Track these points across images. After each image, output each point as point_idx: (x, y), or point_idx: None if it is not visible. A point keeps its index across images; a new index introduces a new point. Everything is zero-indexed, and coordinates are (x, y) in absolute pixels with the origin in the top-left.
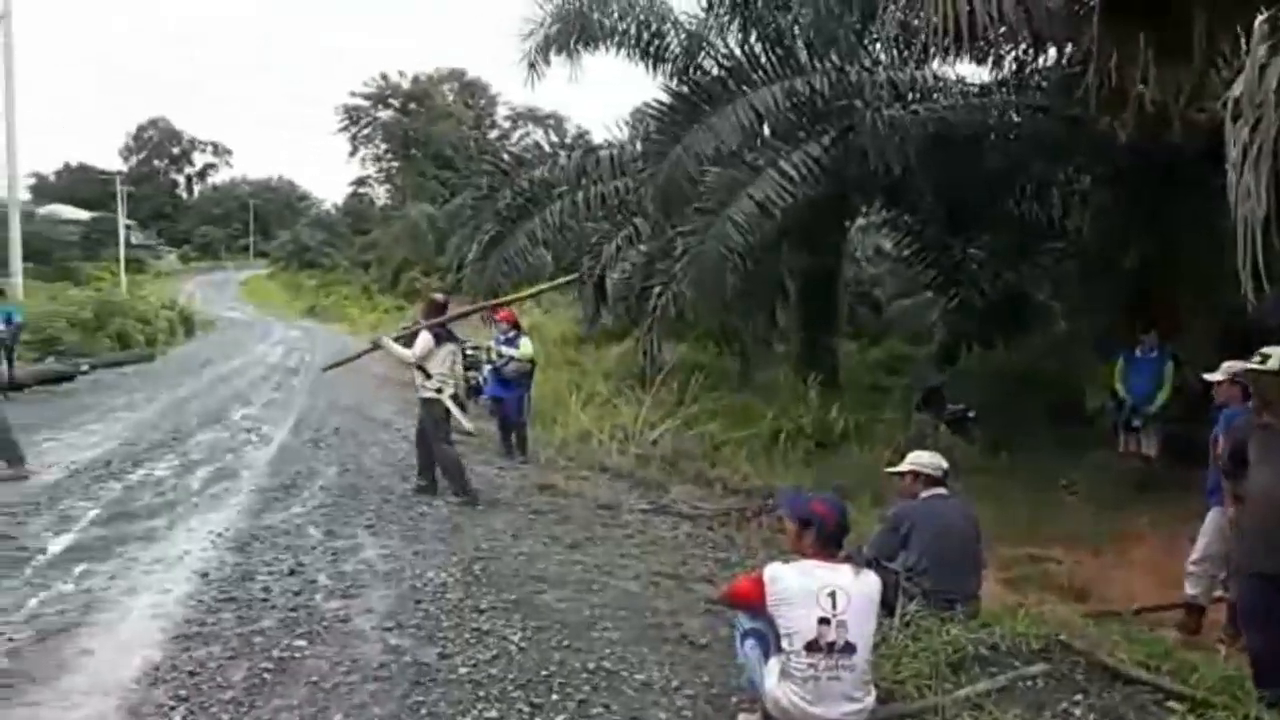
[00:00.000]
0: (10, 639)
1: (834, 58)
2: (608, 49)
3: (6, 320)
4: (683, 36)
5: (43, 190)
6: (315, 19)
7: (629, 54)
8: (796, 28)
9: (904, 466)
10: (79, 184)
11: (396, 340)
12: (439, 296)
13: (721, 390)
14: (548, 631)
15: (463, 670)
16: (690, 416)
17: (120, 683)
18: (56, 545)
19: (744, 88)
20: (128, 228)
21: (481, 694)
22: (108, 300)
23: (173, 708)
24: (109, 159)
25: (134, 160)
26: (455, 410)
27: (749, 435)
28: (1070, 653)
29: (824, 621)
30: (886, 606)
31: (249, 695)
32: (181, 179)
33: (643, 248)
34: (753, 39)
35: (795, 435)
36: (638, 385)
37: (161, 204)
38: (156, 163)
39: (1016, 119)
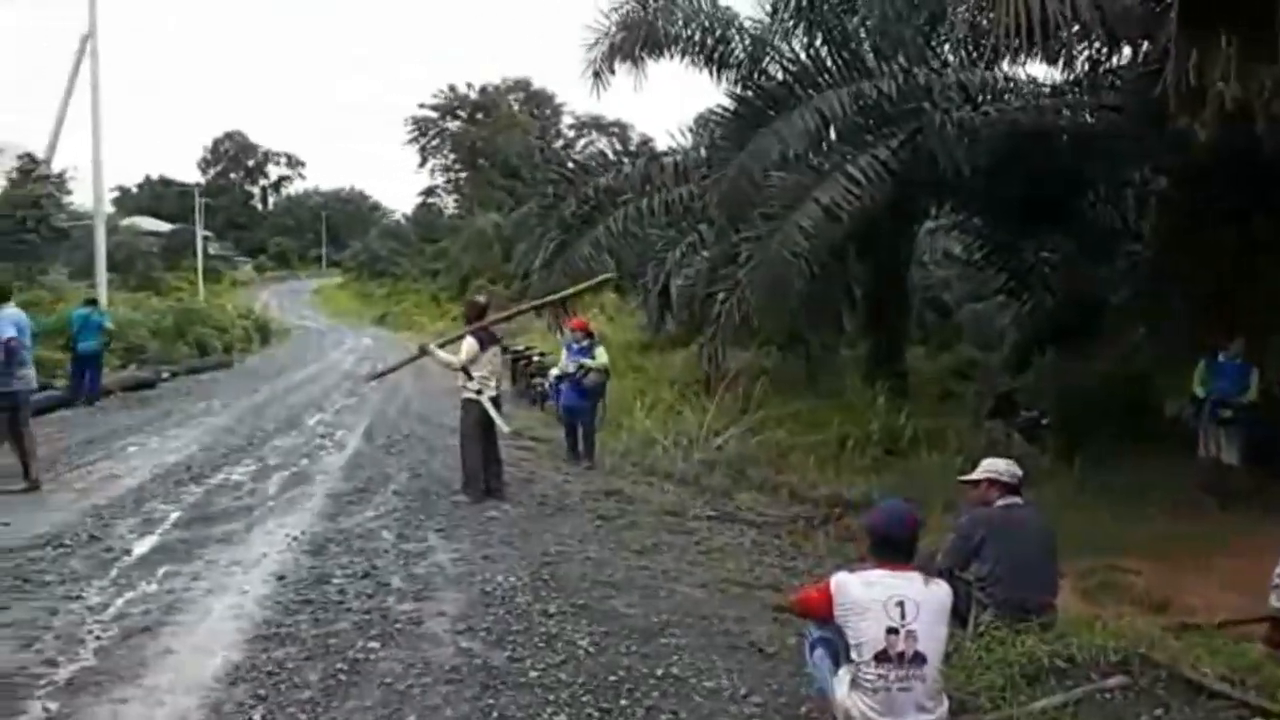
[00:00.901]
0: (98, 637)
1: (901, 60)
2: (672, 56)
3: (99, 328)
4: (747, 42)
5: (125, 203)
6: (385, 33)
7: (693, 60)
8: (863, 31)
9: (977, 474)
10: (159, 196)
11: (441, 346)
12: (480, 298)
13: (787, 396)
14: (616, 637)
15: (532, 674)
16: (756, 423)
17: (202, 681)
18: (141, 547)
19: (809, 92)
20: (205, 238)
21: (551, 698)
22: (187, 309)
23: (252, 707)
24: (188, 172)
25: (211, 173)
26: (494, 412)
27: (816, 442)
28: (1151, 666)
29: (892, 631)
30: (958, 617)
31: (325, 696)
32: (256, 190)
33: (706, 254)
34: (818, 42)
35: (863, 442)
36: (702, 391)
37: (237, 215)
38: (233, 175)
39: (1090, 119)
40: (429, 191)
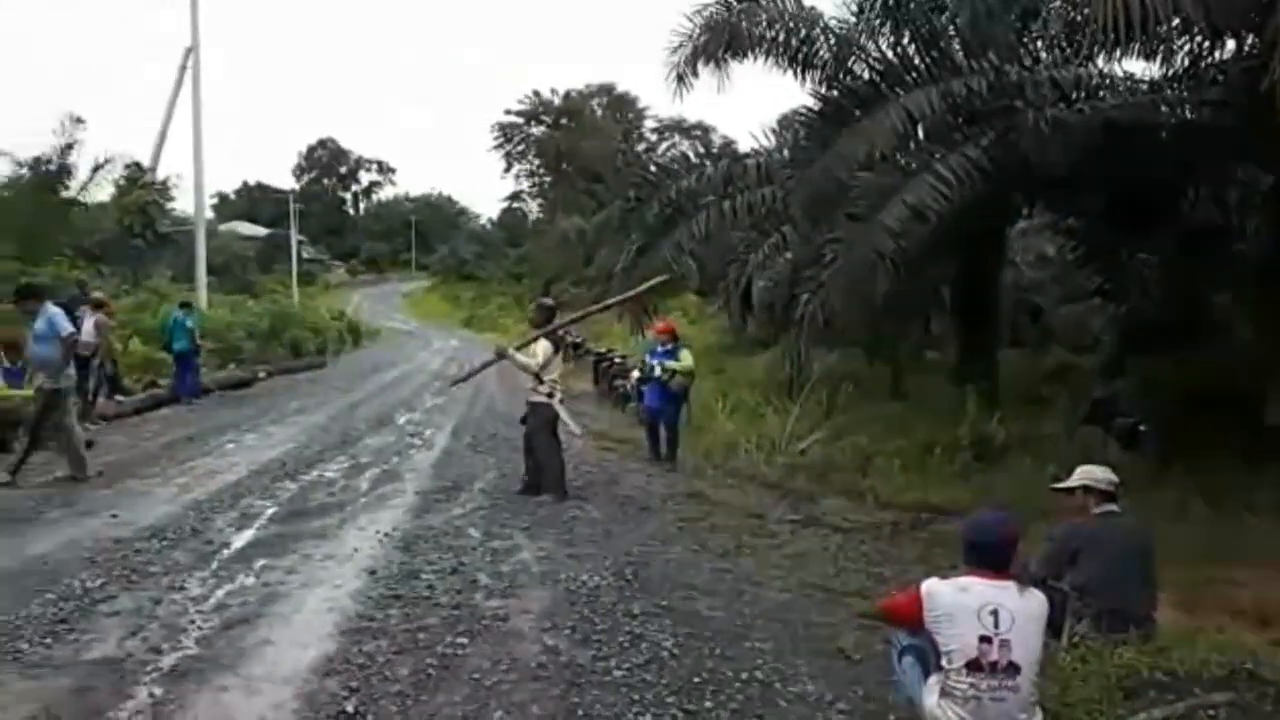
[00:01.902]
0: (199, 627)
1: (992, 57)
2: (755, 58)
3: (187, 329)
4: (832, 42)
5: (224, 209)
6: (473, 40)
7: (777, 62)
8: (952, 29)
9: (1074, 481)
10: (256, 202)
11: (517, 349)
12: (547, 301)
13: (872, 400)
14: (700, 639)
15: (617, 673)
16: (840, 427)
17: (297, 672)
18: (239, 540)
19: (897, 91)
20: (300, 243)
21: (636, 698)
22: (282, 311)
23: (345, 698)
24: (283, 178)
25: (305, 179)
26: (565, 415)
27: (902, 447)
28: (1258, 682)
29: (985, 640)
30: (1053, 627)
31: (415, 690)
32: (349, 196)
33: (789, 255)
34: (905, 41)
35: (951, 448)
36: (785, 394)
37: (330, 220)
38: (326, 181)
39: (1190, 115)
40: (514, 196)
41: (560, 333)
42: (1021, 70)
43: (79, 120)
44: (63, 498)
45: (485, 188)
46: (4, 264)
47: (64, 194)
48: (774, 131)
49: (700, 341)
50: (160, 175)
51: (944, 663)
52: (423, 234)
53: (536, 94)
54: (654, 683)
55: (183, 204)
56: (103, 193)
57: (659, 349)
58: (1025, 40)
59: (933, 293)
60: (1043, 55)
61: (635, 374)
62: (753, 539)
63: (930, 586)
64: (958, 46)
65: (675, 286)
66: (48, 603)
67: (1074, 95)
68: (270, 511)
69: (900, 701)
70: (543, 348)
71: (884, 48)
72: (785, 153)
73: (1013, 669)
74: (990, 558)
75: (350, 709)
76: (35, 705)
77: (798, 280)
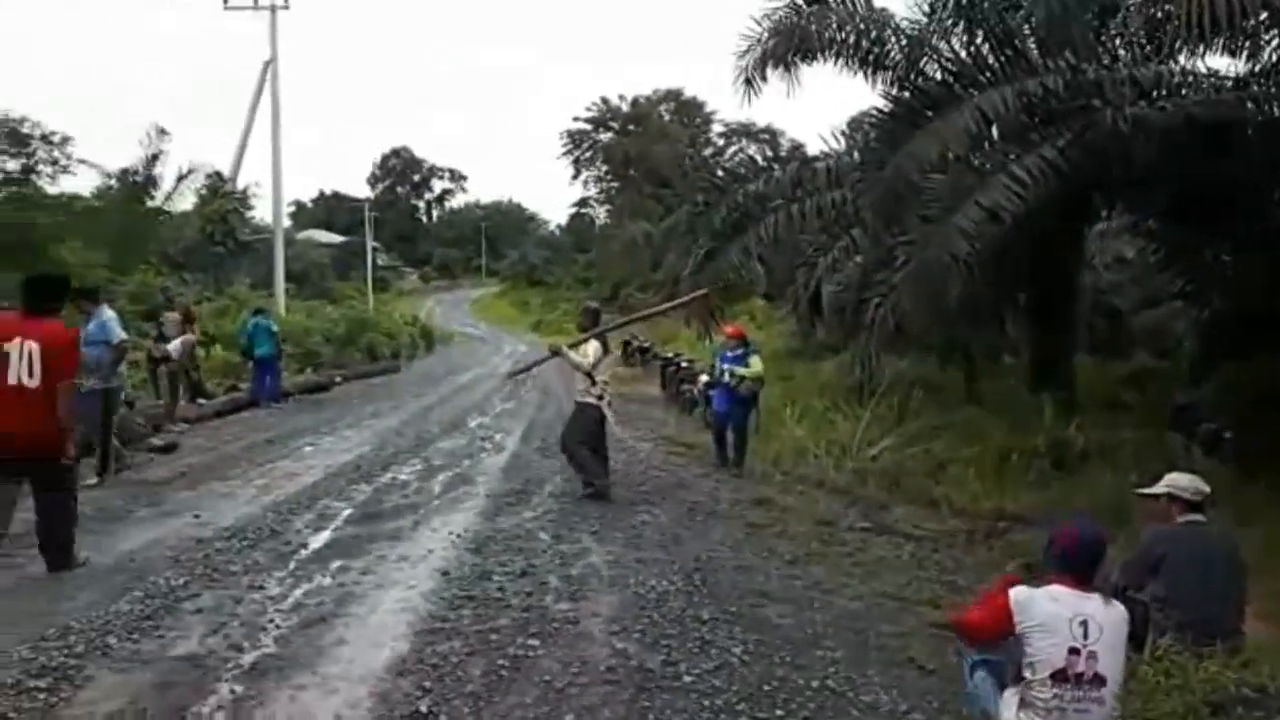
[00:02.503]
0: (278, 626)
1: (1068, 56)
2: (825, 60)
3: (268, 334)
4: (903, 42)
5: (301, 217)
6: (546, 50)
7: (847, 64)
8: (1027, 27)
9: (1159, 488)
10: (332, 210)
11: (571, 348)
12: (593, 304)
13: (945, 406)
14: (769, 646)
15: (687, 679)
16: (911, 433)
17: (372, 671)
18: (316, 541)
19: (970, 91)
20: (375, 250)
21: (706, 704)
22: (358, 317)
23: (418, 698)
24: (358, 187)
25: (380, 188)
26: (611, 417)
27: (976, 454)
28: None
29: (1074, 651)
30: (1134, 639)
31: (487, 690)
32: (422, 204)
33: (859, 259)
34: (979, 41)
35: (1028, 454)
36: (854, 400)
37: (404, 228)
38: (399, 189)
39: (1277, 113)
40: (582, 203)
41: (625, 338)
42: (1099, 68)
43: (163, 132)
44: (149, 498)
45: (554, 194)
46: (96, 272)
47: (150, 204)
48: (843, 134)
49: (767, 346)
50: (240, 185)
51: (1026, 673)
52: (493, 240)
53: (605, 101)
54: (724, 689)
55: (262, 212)
56: (186, 202)
57: (728, 353)
58: (1103, 38)
59: (1008, 296)
60: (1121, 53)
61: (703, 378)
62: (822, 546)
63: (1021, 595)
64: (1033, 45)
65: (742, 291)
66: (135, 600)
67: (1154, 93)
68: (346, 513)
69: (974, 714)
70: (593, 348)
71: (957, 47)
72: (855, 155)
73: (1098, 681)
74: (1081, 567)
75: (424, 709)
76: (123, 699)
77: (868, 284)
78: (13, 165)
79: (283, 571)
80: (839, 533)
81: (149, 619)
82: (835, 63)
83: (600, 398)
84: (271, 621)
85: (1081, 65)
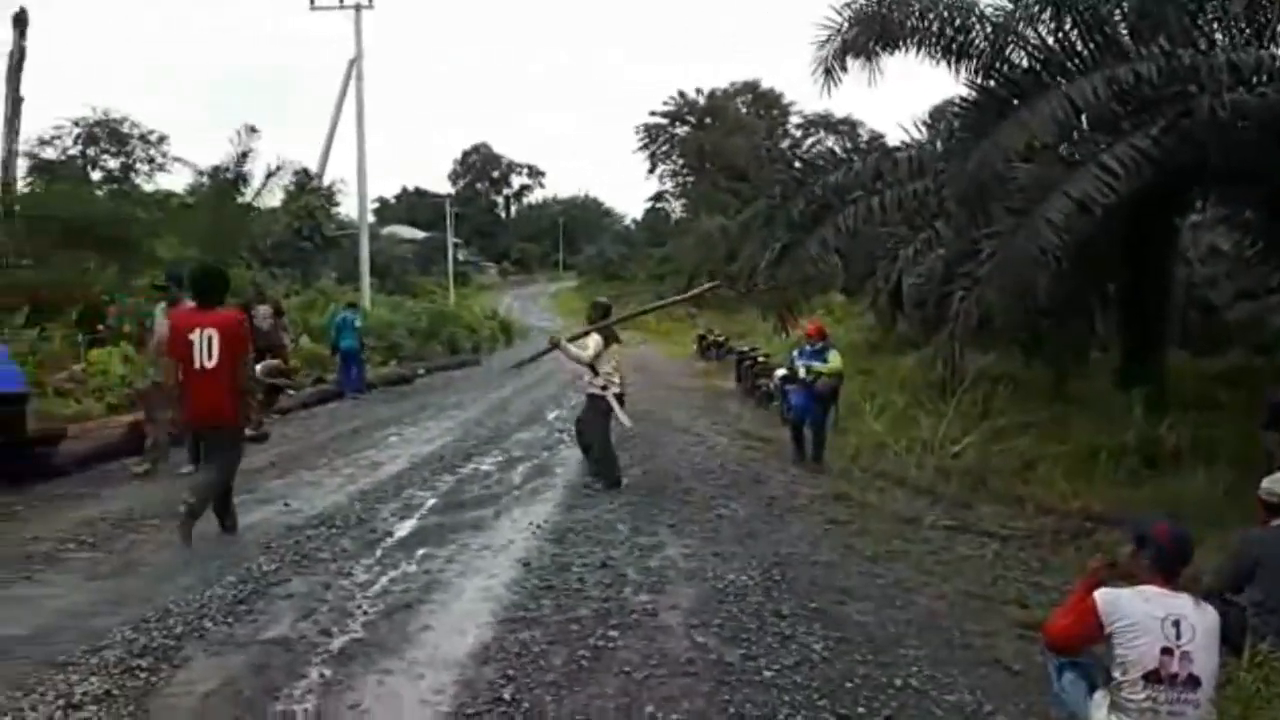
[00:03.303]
0: (365, 611)
1: (1162, 41)
2: (906, 49)
3: (354, 328)
4: (988, 30)
5: (385, 213)
6: (621, 45)
7: (929, 53)
8: (1118, 13)
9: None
10: (414, 207)
11: (571, 341)
12: (603, 300)
13: (1031, 402)
14: (850, 644)
15: (767, 673)
16: (996, 430)
17: (456, 658)
18: (402, 529)
19: (1058, 79)
20: (455, 245)
21: (786, 699)
22: (439, 310)
23: (502, 685)
24: (439, 183)
25: (460, 184)
26: (617, 407)
27: (1063, 452)
28: None
29: (1166, 652)
30: (1229, 644)
31: (568, 680)
32: (501, 200)
33: (942, 251)
34: (1067, 27)
35: (1117, 453)
36: (937, 396)
37: (483, 223)
38: (479, 186)
39: None
40: (657, 197)
41: (701, 332)
42: (1196, 54)
43: (253, 130)
44: (242, 486)
45: (630, 189)
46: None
47: (240, 200)
48: (925, 124)
49: (845, 340)
50: (326, 181)
51: (1117, 674)
52: (570, 235)
53: (681, 94)
54: (804, 684)
55: (347, 208)
56: (274, 199)
57: (806, 349)
58: (1199, 22)
59: (1097, 290)
60: (1219, 37)
61: (779, 373)
62: (904, 544)
63: (1108, 595)
64: (1124, 31)
65: (819, 285)
66: (229, 584)
67: (1254, 79)
68: (430, 502)
69: (1063, 717)
70: (594, 341)
71: (1044, 34)
72: (938, 145)
73: (1193, 682)
74: (1172, 567)
75: (507, 696)
76: (218, 680)
77: (951, 277)
78: (113, 164)
79: (370, 559)
80: (921, 530)
81: (242, 603)
82: (917, 52)
83: (604, 388)
84: (359, 607)
85: (1176, 51)
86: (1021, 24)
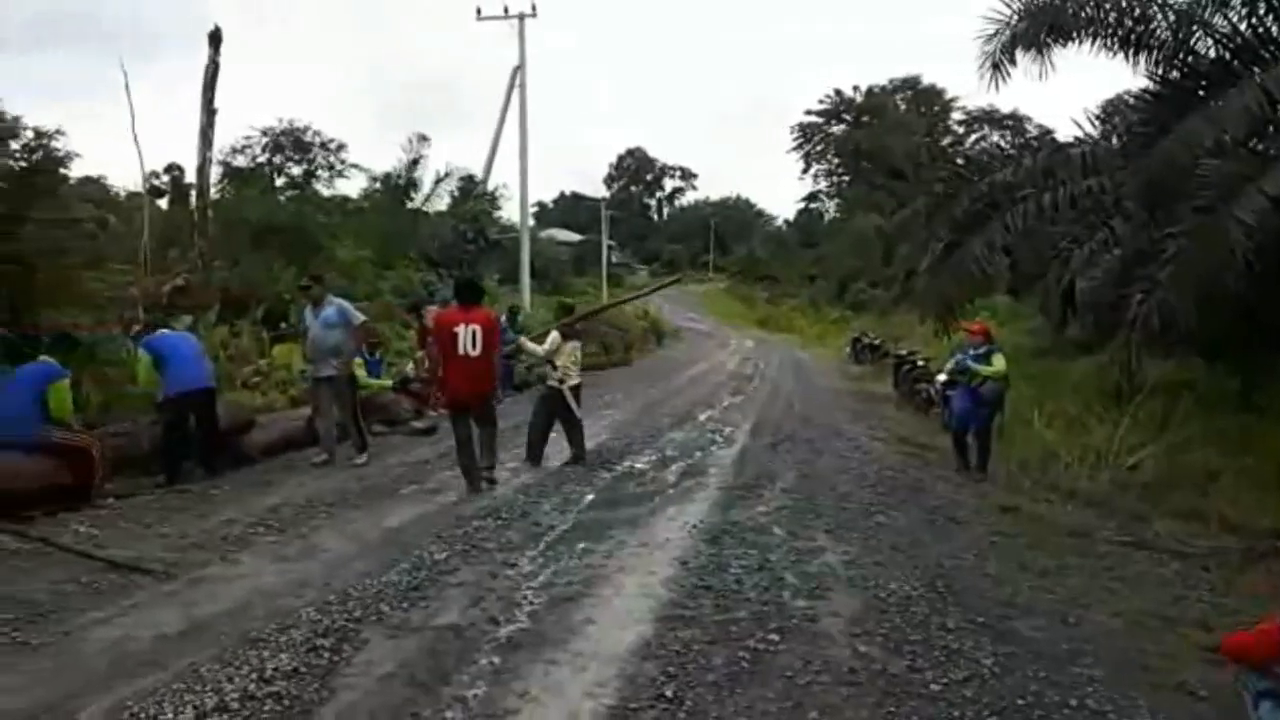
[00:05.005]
0: (530, 602)
1: None
2: (1080, 41)
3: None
4: (1171, 19)
5: (543, 217)
6: (775, 46)
7: (1105, 44)
8: None
9: None
10: (571, 210)
11: (532, 339)
12: (568, 301)
13: (1216, 412)
14: (1021, 660)
15: (934, 687)
16: (1177, 441)
17: (617, 653)
18: (562, 524)
19: (1251, 69)
20: (609, 248)
21: (956, 714)
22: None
23: (663, 683)
24: (595, 187)
25: (614, 187)
26: (572, 401)
27: (1252, 466)
28: None
29: None
30: None
31: (729, 681)
32: (653, 202)
33: (1119, 251)
34: (1261, 12)
35: None
36: (1111, 404)
37: (636, 225)
38: (633, 189)
39: None
40: (811, 197)
41: (855, 334)
42: None
43: (424, 138)
44: (413, 477)
45: (782, 190)
46: (363, 267)
47: (410, 205)
48: (1098, 118)
49: (1010, 343)
50: (490, 186)
51: None
52: (720, 236)
53: (838, 92)
54: (974, 700)
55: (508, 212)
56: (441, 203)
57: (970, 351)
58: None
59: None
60: None
61: (940, 377)
62: (1077, 559)
63: None
64: None
65: (981, 286)
66: (403, 571)
67: None
68: (588, 498)
69: None
70: (552, 337)
71: (1235, 22)
72: (1114, 141)
73: None
74: None
75: (669, 693)
76: (395, 663)
77: (1129, 278)
78: (296, 170)
79: (534, 550)
80: (1094, 545)
81: (416, 589)
82: (1091, 44)
83: (561, 381)
84: (525, 597)
85: None
86: (1208, 11)
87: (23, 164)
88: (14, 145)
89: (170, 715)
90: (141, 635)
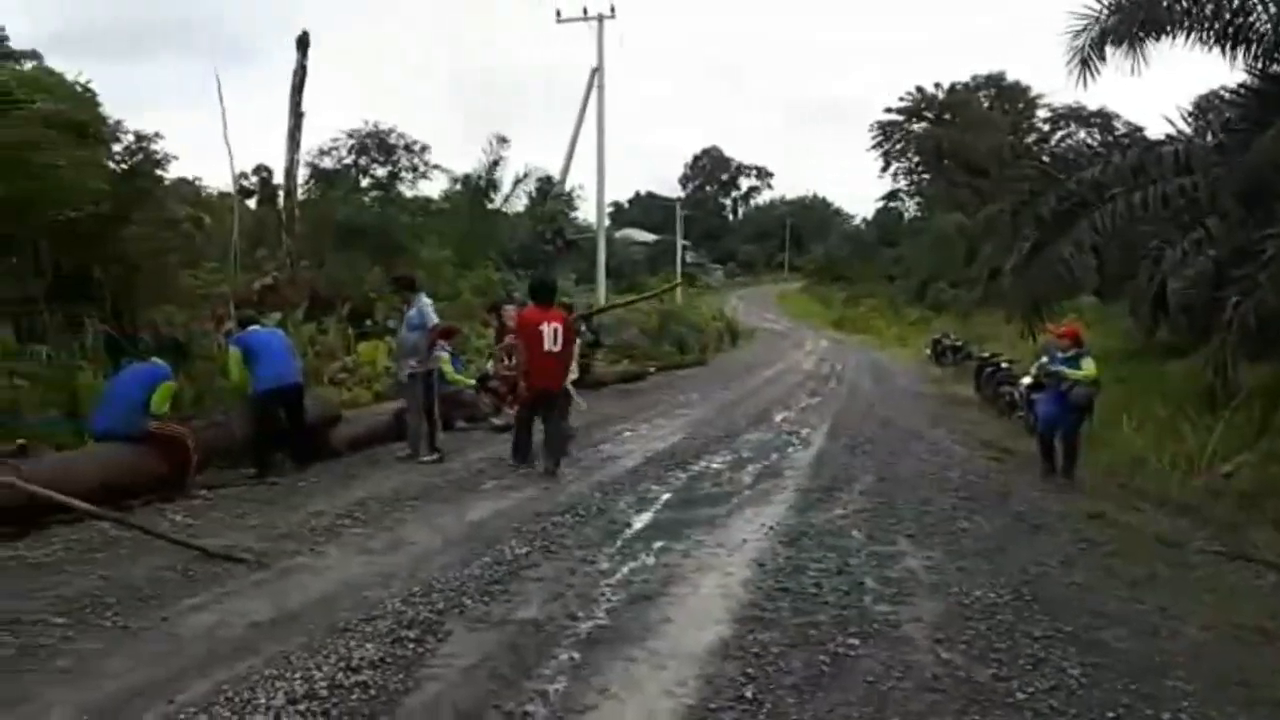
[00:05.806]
0: (608, 599)
1: None
2: (1174, 36)
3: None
4: (1272, 11)
5: (619, 216)
6: (852, 40)
7: (1201, 39)
8: None
9: None
10: (646, 210)
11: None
12: (567, 300)
13: None
14: (1110, 671)
15: (1019, 695)
16: (1276, 448)
17: (695, 653)
18: (639, 522)
19: None
20: (684, 247)
21: None
22: (669, 311)
23: (743, 684)
24: (670, 187)
25: (690, 187)
26: (574, 392)
27: None
28: None
29: None
30: None
31: (809, 685)
32: (728, 202)
33: (1214, 251)
34: None
35: None
36: (1205, 408)
37: (710, 225)
38: (708, 188)
39: None
40: (890, 195)
41: (936, 336)
42: None
43: (504, 140)
44: (492, 472)
45: (860, 189)
46: (444, 267)
47: (490, 206)
48: (1191, 115)
49: (1098, 346)
50: (567, 186)
51: None
52: (796, 235)
53: (919, 90)
54: (1061, 710)
55: (584, 212)
56: (519, 204)
57: (1059, 355)
58: None
59: None
60: None
61: (1025, 381)
62: (1167, 569)
63: None
64: None
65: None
66: (485, 565)
67: None
68: (665, 497)
69: None
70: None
71: None
72: (1208, 138)
73: None
74: None
75: (749, 695)
76: (477, 656)
77: (1225, 279)
78: (381, 172)
79: (611, 548)
80: (1186, 555)
81: (497, 583)
82: (1186, 38)
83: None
84: (603, 594)
85: None
86: None
87: (124, 166)
88: (116, 148)
89: (263, 700)
90: (234, 622)
